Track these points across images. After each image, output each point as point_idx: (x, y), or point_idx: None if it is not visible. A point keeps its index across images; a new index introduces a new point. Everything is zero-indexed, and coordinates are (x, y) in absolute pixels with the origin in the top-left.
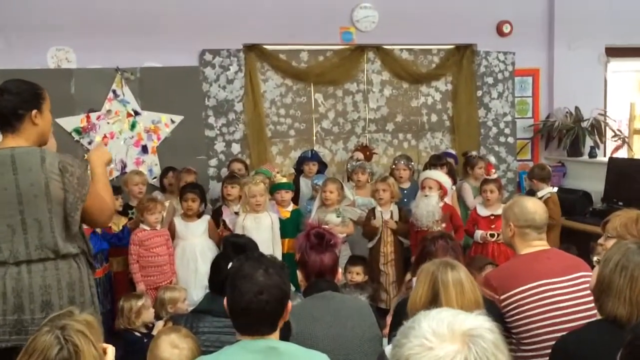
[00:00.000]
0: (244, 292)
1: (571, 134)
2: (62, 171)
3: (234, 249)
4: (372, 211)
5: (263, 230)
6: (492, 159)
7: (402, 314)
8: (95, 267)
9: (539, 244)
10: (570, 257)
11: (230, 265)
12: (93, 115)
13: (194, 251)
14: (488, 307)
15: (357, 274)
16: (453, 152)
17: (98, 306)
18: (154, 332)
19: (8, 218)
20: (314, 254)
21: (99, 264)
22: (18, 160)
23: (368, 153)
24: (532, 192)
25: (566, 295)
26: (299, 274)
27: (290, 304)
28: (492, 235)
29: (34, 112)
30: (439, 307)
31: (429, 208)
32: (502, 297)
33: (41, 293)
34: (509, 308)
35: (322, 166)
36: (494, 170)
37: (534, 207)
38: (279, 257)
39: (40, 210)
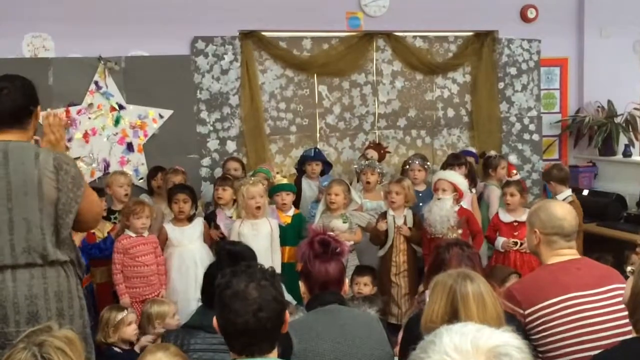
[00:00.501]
0: (239, 312)
1: (603, 131)
2: (57, 169)
3: (229, 258)
4: (383, 216)
5: (262, 238)
6: (513, 159)
7: (414, 331)
8: (82, 278)
9: (567, 252)
10: (602, 267)
11: (217, 278)
12: (73, 109)
13: (193, 258)
14: (507, 321)
15: (365, 285)
16: (473, 150)
17: (88, 320)
18: (137, 349)
19: None
20: (318, 264)
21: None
22: (11, 154)
23: (382, 151)
24: None
25: (598, 310)
26: (301, 285)
27: (288, 314)
28: (514, 243)
29: (39, 107)
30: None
31: (442, 212)
32: (527, 311)
33: (27, 303)
34: (534, 324)
35: (327, 166)
36: (515, 171)
37: (562, 213)
38: (278, 267)
39: (30, 208)
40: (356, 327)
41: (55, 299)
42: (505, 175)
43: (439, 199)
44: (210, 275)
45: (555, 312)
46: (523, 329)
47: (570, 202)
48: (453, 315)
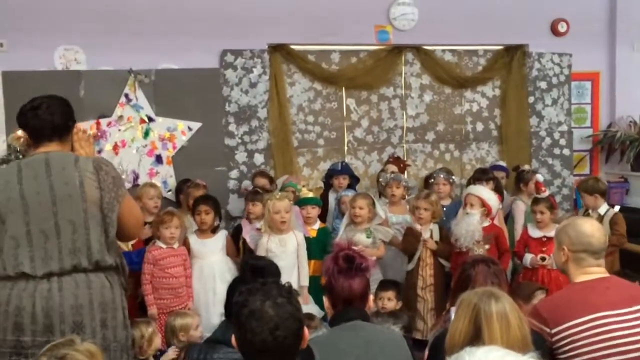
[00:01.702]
0: (256, 331)
1: (635, 146)
2: (97, 169)
3: (252, 273)
4: (410, 229)
5: (289, 254)
6: (540, 177)
7: (439, 350)
8: (127, 289)
9: (596, 270)
10: (632, 286)
11: (234, 297)
12: (103, 121)
13: (212, 271)
14: (535, 341)
15: (389, 300)
16: (504, 164)
17: (130, 330)
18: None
19: (41, 223)
20: (342, 279)
21: None
22: (52, 162)
23: (402, 165)
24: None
25: (627, 330)
26: (325, 300)
27: (307, 331)
28: (542, 259)
29: (77, 124)
30: (481, 344)
31: (469, 227)
32: (554, 330)
33: (72, 313)
34: (561, 343)
35: (354, 180)
36: (543, 188)
37: (591, 230)
38: (306, 281)
39: (75, 210)
40: (380, 344)
41: (99, 309)
42: (537, 191)
43: (467, 214)
44: (233, 290)
45: (583, 332)
46: (549, 350)
47: (615, 216)
48: (476, 335)
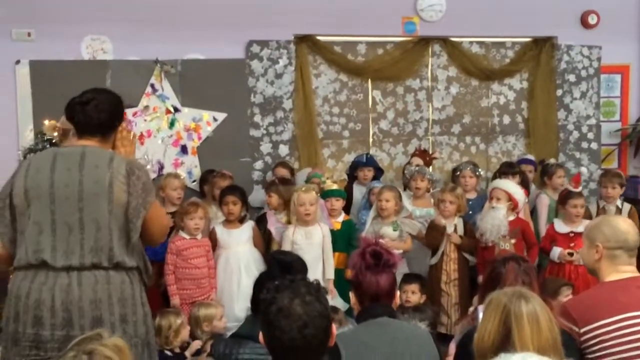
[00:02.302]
0: (285, 329)
1: None
2: (129, 173)
3: (280, 268)
4: (433, 224)
5: (315, 246)
6: (585, 171)
7: (468, 348)
8: (147, 285)
9: (628, 269)
10: None
11: (262, 293)
12: (129, 111)
13: (238, 262)
14: (565, 341)
15: (413, 293)
16: (532, 157)
17: (152, 326)
18: (187, 353)
19: (67, 216)
20: (369, 275)
21: None
22: (87, 158)
23: (427, 158)
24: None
25: None
26: (351, 296)
27: (334, 327)
28: (570, 254)
29: (123, 124)
30: (511, 347)
31: (494, 221)
32: (583, 330)
33: (92, 308)
34: (590, 343)
35: (379, 172)
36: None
37: (626, 227)
38: (331, 274)
39: (100, 209)
40: (407, 341)
41: (119, 304)
42: (562, 185)
43: (492, 208)
44: (260, 285)
45: (613, 332)
46: (579, 350)
47: (631, 210)
48: (505, 336)
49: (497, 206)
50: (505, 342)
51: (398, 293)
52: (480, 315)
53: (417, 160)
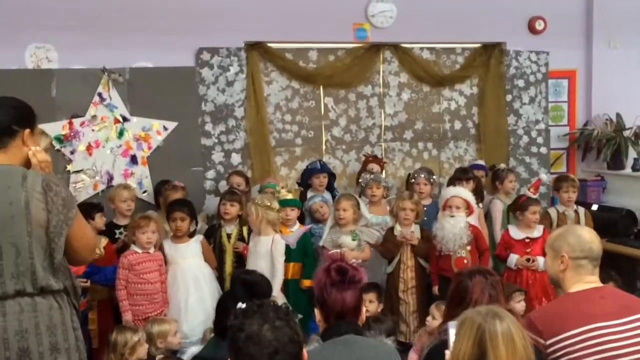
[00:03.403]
0: (255, 356)
1: (612, 144)
2: (46, 190)
3: (244, 288)
4: (390, 230)
5: (263, 254)
6: (544, 177)
7: None
8: (78, 309)
9: (592, 279)
10: (626, 296)
11: (229, 319)
12: (76, 121)
13: (186, 277)
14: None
15: (370, 302)
16: (483, 163)
17: (85, 351)
18: None
19: None
20: (334, 292)
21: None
22: None
23: (382, 163)
24: None
25: (622, 341)
26: (317, 313)
27: (305, 353)
28: (528, 260)
29: (27, 131)
30: None
31: (455, 230)
32: (548, 342)
33: (17, 339)
34: (556, 355)
35: (331, 177)
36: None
37: (590, 236)
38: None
39: (18, 233)
40: (373, 359)
41: (47, 333)
42: (513, 189)
43: (452, 216)
44: (223, 306)
45: (579, 343)
46: None
47: (586, 214)
48: (481, 356)
49: (458, 215)
50: None
51: (364, 309)
52: (451, 331)
53: (375, 167)
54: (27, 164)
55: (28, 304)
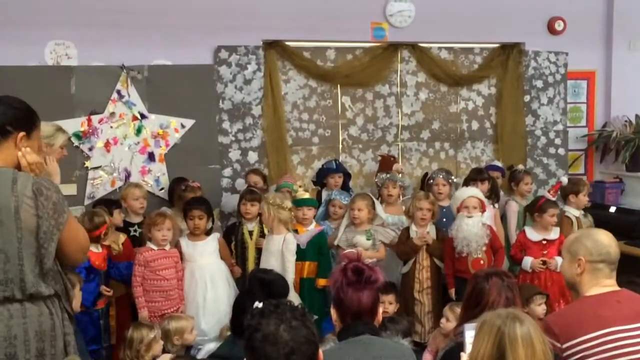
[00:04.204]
0: (271, 356)
1: (631, 146)
2: (36, 194)
3: (260, 286)
4: (406, 230)
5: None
6: (565, 179)
7: None
8: (71, 314)
9: (608, 283)
10: None
11: (245, 319)
12: (95, 118)
13: (203, 275)
14: None
15: (390, 304)
16: (499, 164)
17: (75, 354)
18: None
19: None
20: (350, 292)
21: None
22: None
23: (392, 159)
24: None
25: (639, 346)
26: (333, 312)
27: (321, 354)
28: (544, 263)
29: (22, 134)
30: None
31: (475, 230)
32: (565, 345)
33: (5, 345)
34: (572, 359)
35: (347, 177)
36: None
37: (607, 240)
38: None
39: (7, 239)
40: None
41: (36, 339)
42: (528, 191)
43: (469, 217)
44: (240, 305)
45: (595, 347)
46: None
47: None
48: (499, 359)
49: (475, 215)
50: None
51: (381, 310)
52: (467, 333)
53: (398, 167)
54: (20, 165)
55: (17, 309)
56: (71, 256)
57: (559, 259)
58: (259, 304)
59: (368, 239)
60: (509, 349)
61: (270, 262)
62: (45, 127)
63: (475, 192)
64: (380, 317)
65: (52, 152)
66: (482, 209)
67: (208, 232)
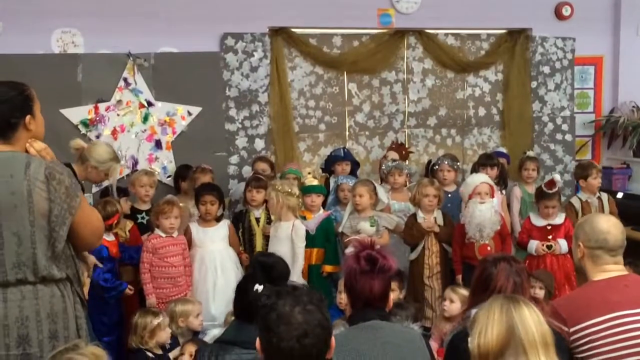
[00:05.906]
0: (283, 336)
1: (638, 132)
2: (49, 179)
3: (261, 270)
4: (413, 217)
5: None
6: (557, 177)
7: (459, 348)
8: (83, 299)
9: (613, 268)
10: None
11: (261, 299)
12: (102, 106)
13: (214, 261)
14: (556, 342)
15: (392, 291)
16: (505, 151)
17: (86, 338)
18: (171, 355)
19: None
20: (363, 280)
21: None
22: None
23: (404, 152)
24: None
25: None
26: (344, 297)
27: (334, 340)
28: (548, 247)
29: (28, 117)
30: (518, 347)
31: (489, 215)
32: (572, 329)
33: (17, 326)
34: (579, 343)
35: (355, 165)
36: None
37: (607, 226)
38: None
39: (21, 223)
40: (399, 345)
41: (48, 320)
42: (531, 177)
43: (481, 203)
44: (242, 289)
45: (602, 332)
46: (568, 350)
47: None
48: (509, 341)
49: (488, 201)
50: (510, 344)
51: (392, 296)
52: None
53: (392, 155)
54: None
55: (30, 291)
56: (86, 240)
57: (562, 243)
58: (259, 287)
59: (372, 226)
60: (518, 324)
61: (278, 249)
62: (102, 152)
63: (486, 178)
64: (391, 303)
65: (94, 172)
66: (492, 195)
67: (218, 219)
